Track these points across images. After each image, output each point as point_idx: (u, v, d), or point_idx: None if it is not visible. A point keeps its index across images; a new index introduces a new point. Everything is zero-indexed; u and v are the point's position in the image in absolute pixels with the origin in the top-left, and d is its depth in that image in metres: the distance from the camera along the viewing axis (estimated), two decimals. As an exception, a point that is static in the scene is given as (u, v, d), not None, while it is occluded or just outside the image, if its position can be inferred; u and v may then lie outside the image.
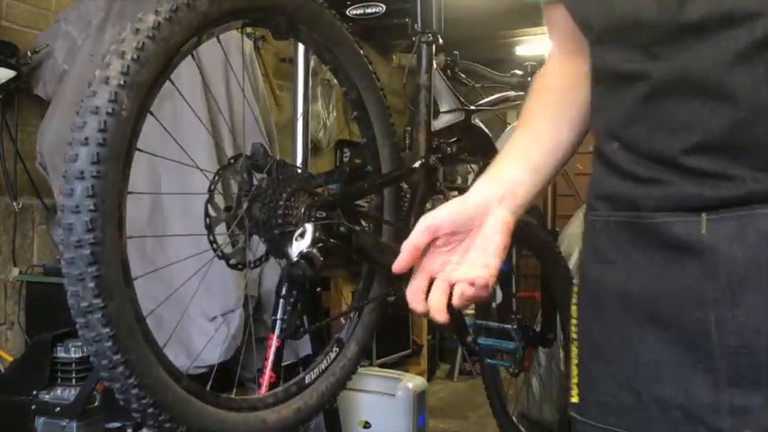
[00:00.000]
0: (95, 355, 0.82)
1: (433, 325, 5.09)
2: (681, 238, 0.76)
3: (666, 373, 0.78)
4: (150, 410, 0.86)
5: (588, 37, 0.86)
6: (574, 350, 0.91)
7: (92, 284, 0.78)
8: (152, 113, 0.88)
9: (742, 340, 0.73)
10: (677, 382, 0.78)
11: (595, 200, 0.87)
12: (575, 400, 0.89)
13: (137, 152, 0.85)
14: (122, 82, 0.80)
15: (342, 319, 1.32)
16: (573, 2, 0.87)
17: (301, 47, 2.12)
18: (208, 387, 0.98)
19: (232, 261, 1.05)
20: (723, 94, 0.72)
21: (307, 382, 1.20)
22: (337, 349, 1.29)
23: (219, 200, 1.05)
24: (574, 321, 0.92)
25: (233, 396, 1.06)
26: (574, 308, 0.92)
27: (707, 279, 0.75)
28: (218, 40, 0.99)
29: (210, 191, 1.02)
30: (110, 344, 0.80)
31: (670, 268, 0.78)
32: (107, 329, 0.80)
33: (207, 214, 1.02)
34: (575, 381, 0.90)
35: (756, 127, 0.72)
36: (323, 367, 1.24)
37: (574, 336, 0.91)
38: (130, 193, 0.85)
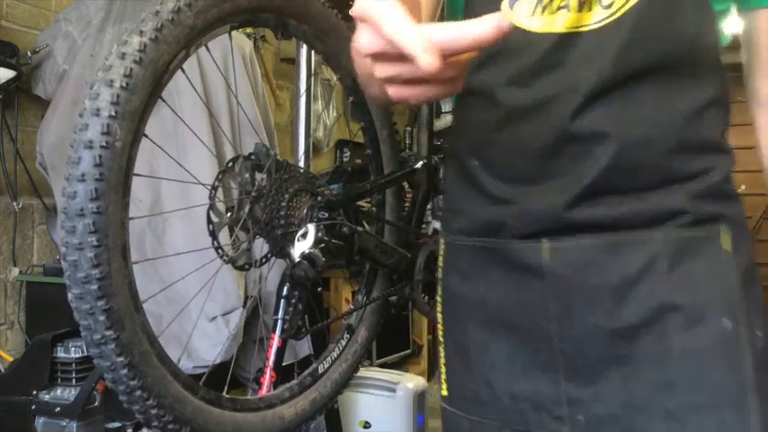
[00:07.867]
0: (112, 382, 0.82)
1: (433, 325, 5.08)
2: (527, 262, 0.90)
3: (518, 372, 0.93)
4: (171, 426, 0.86)
5: None
6: (441, 350, 1.04)
7: (102, 318, 0.78)
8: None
9: (575, 346, 0.89)
10: (526, 379, 0.93)
11: (452, 215, 1.01)
12: (444, 393, 1.03)
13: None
14: (113, 113, 0.78)
15: (350, 305, 1.32)
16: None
17: (304, 48, 2.12)
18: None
19: (239, 263, 1.05)
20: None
21: (320, 371, 1.20)
22: (348, 335, 1.29)
23: (221, 200, 1.04)
24: (440, 326, 1.04)
25: (250, 397, 1.06)
26: (439, 315, 1.04)
27: (549, 296, 0.90)
28: (207, 49, 0.97)
29: (211, 198, 1.01)
30: (125, 371, 0.81)
31: (520, 286, 0.92)
32: (121, 358, 0.80)
33: (209, 221, 1.01)
34: (443, 377, 1.02)
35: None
36: (335, 355, 1.24)
37: (441, 338, 1.04)
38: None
